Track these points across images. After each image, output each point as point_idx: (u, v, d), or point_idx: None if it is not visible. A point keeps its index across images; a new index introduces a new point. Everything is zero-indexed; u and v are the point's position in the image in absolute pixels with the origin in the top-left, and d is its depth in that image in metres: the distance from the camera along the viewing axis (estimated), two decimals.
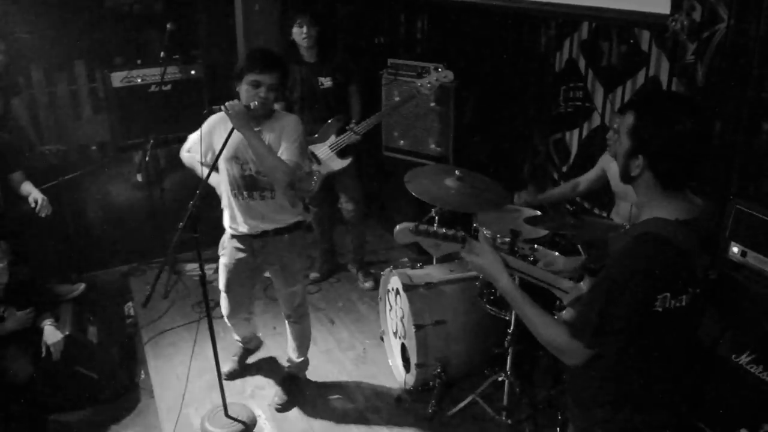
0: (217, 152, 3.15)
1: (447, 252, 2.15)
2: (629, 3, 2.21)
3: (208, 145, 3.32)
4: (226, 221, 3.49)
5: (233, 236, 3.49)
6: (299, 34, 4.35)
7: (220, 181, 3.40)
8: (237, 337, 4.05)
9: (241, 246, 3.50)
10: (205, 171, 3.15)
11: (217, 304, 4.67)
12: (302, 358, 3.88)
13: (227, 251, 3.57)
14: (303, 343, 3.84)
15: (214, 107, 3.15)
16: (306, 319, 3.79)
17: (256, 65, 3.13)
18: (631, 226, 1.96)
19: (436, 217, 4.02)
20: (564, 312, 2.17)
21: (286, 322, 3.79)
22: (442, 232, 2.11)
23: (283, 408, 3.74)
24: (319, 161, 4.51)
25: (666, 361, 1.94)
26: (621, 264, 1.82)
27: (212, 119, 3.32)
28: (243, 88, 3.16)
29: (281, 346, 4.26)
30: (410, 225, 2.11)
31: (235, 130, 3.06)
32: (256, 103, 3.11)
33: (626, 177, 1.93)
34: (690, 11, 2.03)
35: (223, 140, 3.10)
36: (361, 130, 4.47)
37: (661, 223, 1.83)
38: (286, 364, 3.99)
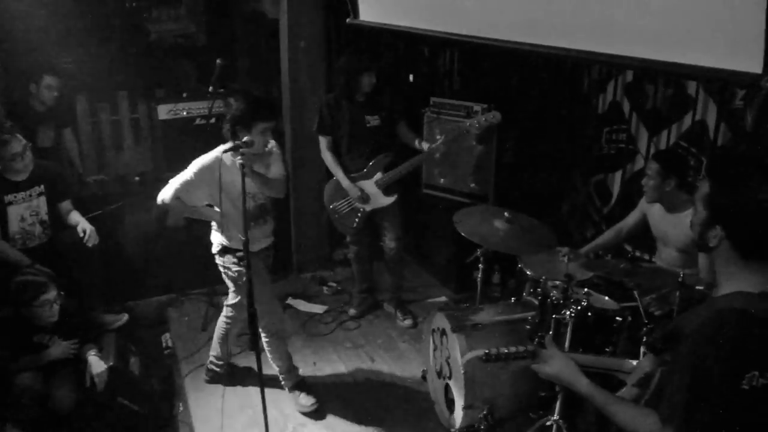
0: (219, 192, 3.47)
1: (517, 368, 2.14)
2: (712, 59, 2.21)
3: (208, 186, 3.56)
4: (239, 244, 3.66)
5: (253, 254, 3.63)
6: (368, 81, 4.43)
7: (223, 217, 3.64)
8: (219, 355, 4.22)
9: (261, 258, 3.82)
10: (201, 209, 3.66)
11: (257, 338, 4.73)
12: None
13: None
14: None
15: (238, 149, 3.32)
16: None
17: (267, 115, 3.49)
18: (710, 299, 1.90)
19: (481, 258, 4.02)
20: (624, 390, 2.13)
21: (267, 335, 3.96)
22: (513, 352, 2.07)
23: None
24: (367, 198, 4.53)
25: None
26: (705, 342, 1.73)
27: (203, 164, 3.56)
28: (255, 137, 3.44)
29: (322, 382, 4.26)
30: (480, 353, 2.08)
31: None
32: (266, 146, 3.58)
33: (704, 247, 1.86)
34: None
35: (230, 179, 3.45)
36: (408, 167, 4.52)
37: (743, 297, 1.75)
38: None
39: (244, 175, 3.22)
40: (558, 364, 2.04)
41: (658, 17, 2.44)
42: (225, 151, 3.42)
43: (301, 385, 4.09)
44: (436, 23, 3.84)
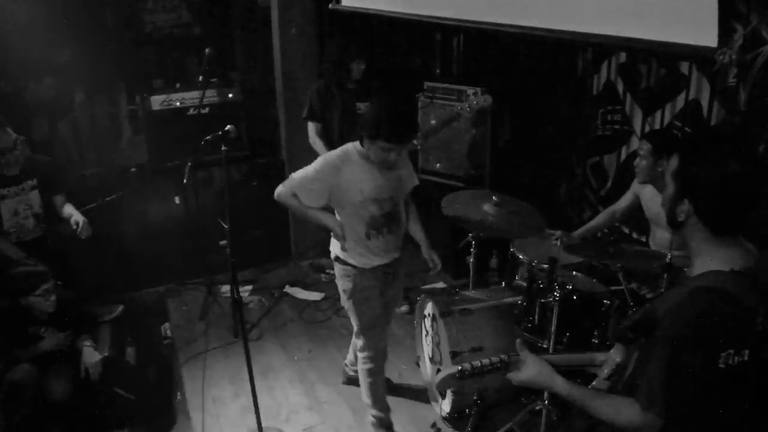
0: (347, 193, 3.13)
1: (492, 383, 2.08)
2: (670, 34, 2.18)
3: (329, 186, 3.15)
4: (355, 259, 3.30)
5: (364, 270, 3.32)
6: (358, 69, 4.40)
7: (346, 223, 3.25)
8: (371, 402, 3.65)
9: (374, 277, 3.36)
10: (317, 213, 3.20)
11: (253, 326, 4.76)
12: None
13: (359, 285, 3.35)
14: None
15: None
16: None
17: (392, 138, 2.98)
18: (683, 280, 1.87)
19: (473, 242, 4.00)
20: (594, 382, 2.11)
21: None
22: (486, 364, 2.01)
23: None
24: None
25: (734, 421, 1.82)
26: (679, 322, 1.71)
27: (327, 160, 3.18)
28: (373, 147, 3.04)
29: (317, 370, 4.28)
30: (454, 371, 2.01)
31: (372, 171, 3.12)
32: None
33: (673, 223, 1.85)
34: (737, 44, 1.98)
35: (355, 180, 3.12)
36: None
37: (716, 275, 1.73)
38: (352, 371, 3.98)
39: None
40: (532, 369, 2.00)
41: None
42: (205, 140, 3.27)
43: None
44: (417, 7, 3.80)
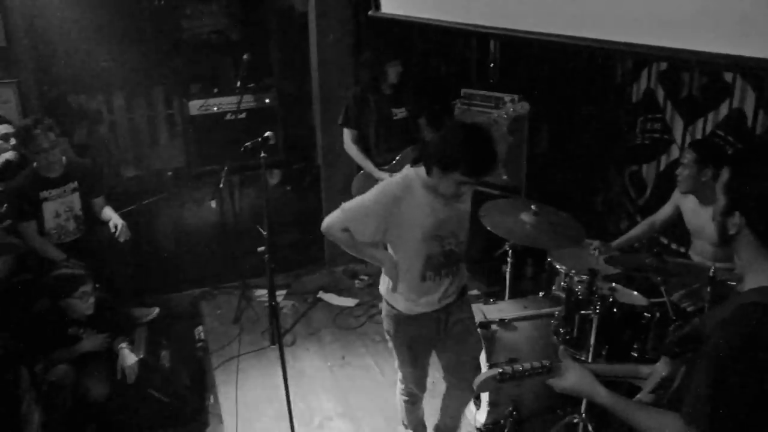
0: (405, 228, 2.77)
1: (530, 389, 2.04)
2: (748, 49, 2.07)
3: (386, 219, 2.76)
4: (402, 305, 2.98)
5: (409, 317, 2.99)
6: (395, 72, 4.40)
7: (400, 261, 2.90)
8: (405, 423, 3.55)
9: (421, 324, 3.03)
10: (371, 250, 2.89)
11: (287, 332, 4.77)
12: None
13: (401, 331, 3.06)
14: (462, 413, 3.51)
15: None
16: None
17: (475, 174, 2.62)
18: (732, 295, 1.83)
19: (510, 251, 3.96)
20: (639, 395, 2.07)
21: (450, 388, 3.40)
22: (528, 369, 1.98)
23: None
24: None
25: None
26: (727, 338, 1.66)
27: (385, 188, 2.80)
28: (445, 179, 2.64)
29: (350, 376, 4.26)
30: (494, 373, 1.98)
31: (435, 203, 2.74)
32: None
33: (724, 237, 1.80)
34: None
35: (416, 214, 2.74)
36: None
37: (766, 291, 1.69)
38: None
39: None
40: (574, 377, 1.98)
41: (686, 4, 2.32)
42: (245, 147, 3.13)
43: None
44: (457, 15, 3.76)
